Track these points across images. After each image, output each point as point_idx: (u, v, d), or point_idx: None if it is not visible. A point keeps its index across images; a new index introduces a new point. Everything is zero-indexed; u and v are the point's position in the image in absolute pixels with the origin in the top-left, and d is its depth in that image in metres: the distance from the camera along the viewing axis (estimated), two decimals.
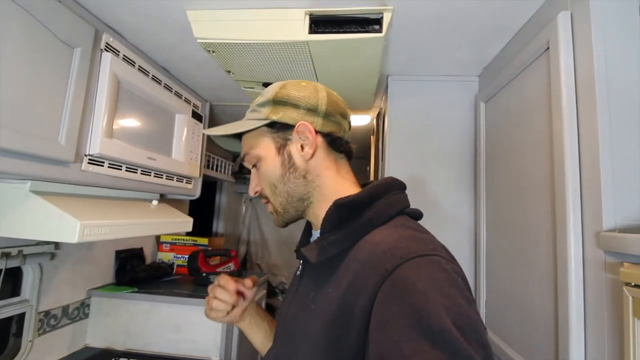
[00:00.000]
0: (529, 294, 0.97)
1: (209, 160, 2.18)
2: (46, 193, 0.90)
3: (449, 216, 1.40)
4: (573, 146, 0.78)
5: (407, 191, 0.60)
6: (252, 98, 0.82)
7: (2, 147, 0.73)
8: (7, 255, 1.09)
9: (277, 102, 0.60)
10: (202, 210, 2.56)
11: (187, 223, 1.38)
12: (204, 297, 0.74)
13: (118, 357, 1.41)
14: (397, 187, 0.59)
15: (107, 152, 1.01)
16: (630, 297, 0.60)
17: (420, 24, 1.05)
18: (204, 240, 2.15)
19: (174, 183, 1.40)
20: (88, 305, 1.50)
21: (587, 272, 0.74)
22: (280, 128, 0.60)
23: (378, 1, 0.94)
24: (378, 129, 1.85)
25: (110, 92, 1.02)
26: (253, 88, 1.46)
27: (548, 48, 0.88)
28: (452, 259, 0.48)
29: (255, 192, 0.64)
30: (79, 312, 1.46)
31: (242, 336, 1.59)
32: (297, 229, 0.70)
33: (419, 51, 1.25)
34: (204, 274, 1.78)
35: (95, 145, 0.98)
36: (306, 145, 0.59)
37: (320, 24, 1.00)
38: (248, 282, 0.72)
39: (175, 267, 2.02)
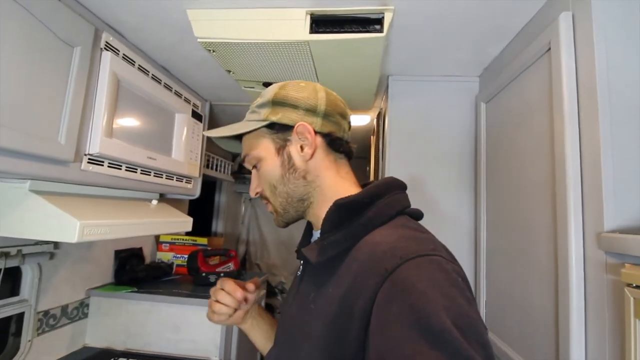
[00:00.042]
0: (529, 294, 0.97)
1: (208, 160, 2.18)
2: (46, 192, 0.90)
3: (448, 216, 1.40)
4: (574, 147, 0.78)
5: (407, 191, 0.60)
6: (252, 98, 0.82)
7: (2, 146, 0.72)
8: (6, 255, 1.08)
9: (276, 103, 0.60)
10: (201, 210, 2.56)
11: (186, 223, 1.38)
12: (203, 297, 0.73)
13: (117, 357, 1.40)
14: (397, 187, 0.58)
15: (106, 152, 1.01)
16: (632, 298, 0.60)
17: (421, 24, 1.05)
18: (203, 240, 2.15)
19: (174, 183, 1.40)
20: (87, 305, 1.50)
21: (587, 272, 0.74)
22: (279, 129, 0.60)
23: (379, 1, 0.94)
24: (378, 129, 1.85)
25: (110, 91, 1.02)
26: (253, 88, 1.46)
27: (549, 49, 0.88)
28: (452, 259, 0.48)
29: (256, 193, 0.64)
30: (78, 311, 1.45)
31: (242, 336, 1.59)
32: (297, 229, 0.70)
33: (420, 51, 1.25)
34: (204, 274, 1.77)
35: (95, 144, 0.97)
36: (306, 146, 0.59)
37: (321, 23, 1.00)
38: (251, 285, 0.72)
39: (174, 266, 2.01)
